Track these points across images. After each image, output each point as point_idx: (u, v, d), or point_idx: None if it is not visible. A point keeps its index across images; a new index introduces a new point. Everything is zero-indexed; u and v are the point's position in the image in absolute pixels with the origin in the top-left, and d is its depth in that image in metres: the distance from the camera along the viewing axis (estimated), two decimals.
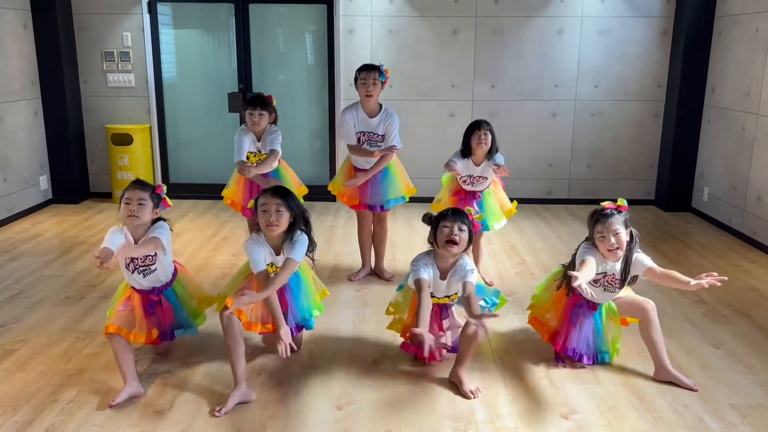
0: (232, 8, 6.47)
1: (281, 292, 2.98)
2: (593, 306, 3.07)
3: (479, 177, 4.05)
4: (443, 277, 3.01)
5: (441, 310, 3.17)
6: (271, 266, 2.98)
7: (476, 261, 4.21)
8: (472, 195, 4.13)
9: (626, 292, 3.14)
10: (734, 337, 3.54)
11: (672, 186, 6.43)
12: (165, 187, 3.07)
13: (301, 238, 2.92)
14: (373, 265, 4.47)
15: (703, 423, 2.72)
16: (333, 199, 4.67)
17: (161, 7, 6.50)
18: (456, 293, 3.06)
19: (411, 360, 3.25)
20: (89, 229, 5.68)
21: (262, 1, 6.47)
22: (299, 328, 3.11)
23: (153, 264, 3.00)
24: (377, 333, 3.55)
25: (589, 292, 2.72)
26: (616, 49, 6.40)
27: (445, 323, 3.19)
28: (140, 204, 2.89)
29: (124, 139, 6.46)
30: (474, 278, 2.95)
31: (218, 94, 6.66)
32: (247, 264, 3.07)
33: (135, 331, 2.94)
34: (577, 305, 3.08)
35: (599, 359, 3.14)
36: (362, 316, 3.79)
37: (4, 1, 5.71)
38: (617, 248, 2.89)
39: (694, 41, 6.09)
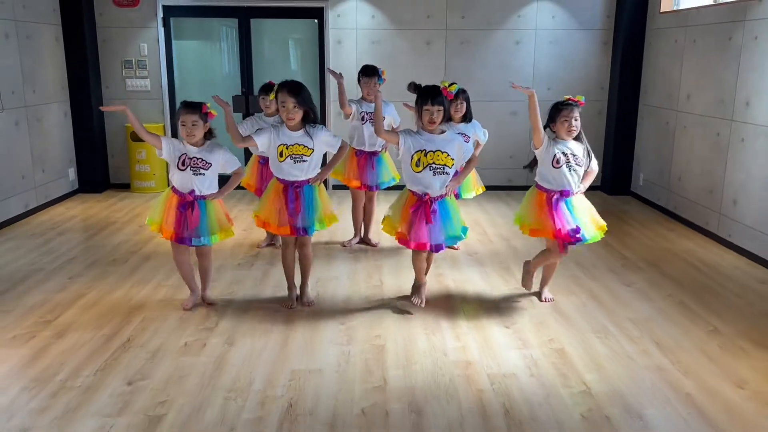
0: (236, 22, 7.47)
1: (296, 198, 3.77)
2: (565, 194, 3.74)
3: (461, 134, 4.46)
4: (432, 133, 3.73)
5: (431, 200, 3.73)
6: (287, 147, 3.72)
7: None
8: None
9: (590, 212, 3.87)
10: (643, 281, 4.63)
11: (614, 173, 7.54)
12: (209, 104, 3.81)
13: (321, 127, 3.80)
14: (362, 235, 5.48)
15: (606, 329, 3.79)
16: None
17: (174, 21, 7.48)
18: (448, 154, 3.68)
19: (398, 298, 4.29)
20: (116, 212, 6.63)
21: (262, 17, 7.48)
22: (303, 231, 3.84)
23: (206, 169, 3.75)
24: (368, 279, 4.61)
25: (524, 87, 3.62)
26: (565, 57, 7.50)
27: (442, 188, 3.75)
28: (194, 125, 3.71)
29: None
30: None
31: (223, 97, 7.60)
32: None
33: (166, 227, 3.78)
34: (553, 199, 3.75)
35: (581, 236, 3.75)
36: (355, 269, 4.86)
37: (41, 17, 6.66)
38: (575, 129, 3.71)
39: (630, 51, 7.22)
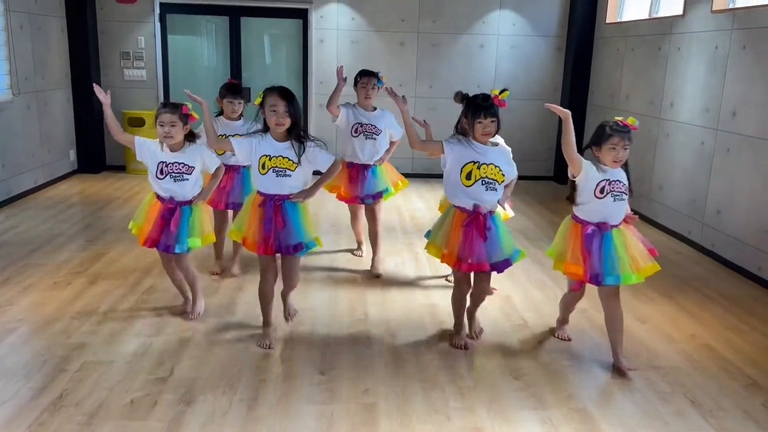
0: (228, 20, 8.18)
1: (276, 213, 3.31)
2: (603, 227, 3.22)
3: None
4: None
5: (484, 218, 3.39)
6: (270, 159, 3.29)
7: None
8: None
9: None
10: None
11: (565, 165, 8.41)
12: (190, 105, 3.54)
13: (316, 148, 3.36)
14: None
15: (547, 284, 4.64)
16: None
17: (170, 17, 8.15)
18: (500, 169, 3.37)
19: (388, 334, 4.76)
20: (116, 190, 7.29)
21: (251, 15, 8.21)
22: (296, 248, 3.38)
23: (189, 173, 3.54)
24: (351, 312, 4.93)
25: (562, 109, 3.15)
26: (524, 61, 8.40)
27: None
28: (172, 125, 3.45)
29: (138, 122, 8.07)
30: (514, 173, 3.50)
31: (214, 88, 8.32)
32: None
33: (150, 235, 3.58)
34: (589, 233, 3.23)
35: (616, 279, 3.23)
36: (335, 298, 4.63)
37: (50, 10, 7.28)
38: (621, 160, 3.21)
39: (580, 56, 8.14)
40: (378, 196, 4.67)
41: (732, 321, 4.13)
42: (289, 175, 3.33)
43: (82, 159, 8.09)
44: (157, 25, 8.07)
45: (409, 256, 5.26)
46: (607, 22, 7.73)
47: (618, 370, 3.37)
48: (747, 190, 5.02)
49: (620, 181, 3.25)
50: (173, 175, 3.54)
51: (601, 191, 3.22)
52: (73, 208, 6.41)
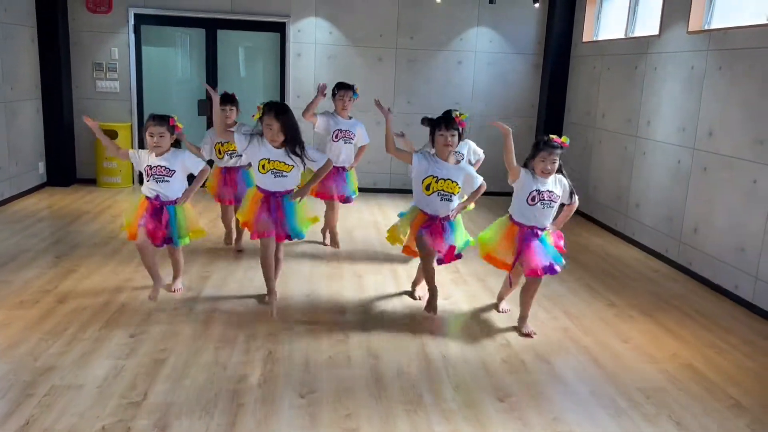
0: (204, 32, 8.07)
1: (278, 208, 4.03)
2: (536, 233, 3.83)
3: (456, 152, 4.82)
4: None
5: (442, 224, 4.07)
6: (269, 161, 3.95)
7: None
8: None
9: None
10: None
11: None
12: (176, 117, 4.09)
13: (309, 149, 4.05)
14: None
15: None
16: None
17: (145, 28, 8.02)
18: (456, 183, 3.99)
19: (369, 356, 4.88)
20: (87, 204, 7.10)
21: (228, 28, 8.11)
22: (288, 237, 4.12)
23: (169, 176, 4.04)
24: (329, 334, 5.10)
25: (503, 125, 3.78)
26: (501, 77, 8.44)
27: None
28: (161, 136, 4.00)
29: (111, 135, 7.88)
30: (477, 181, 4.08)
31: (190, 101, 8.23)
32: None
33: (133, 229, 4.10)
34: (525, 234, 3.84)
35: (555, 265, 3.85)
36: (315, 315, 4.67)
37: (20, 19, 7.10)
38: (549, 172, 3.76)
39: (556, 74, 8.21)
40: (349, 199, 5.46)
41: (711, 339, 4.13)
42: (286, 176, 4.01)
43: (51, 172, 7.88)
44: (132, 36, 7.92)
45: (388, 273, 5.19)
46: (583, 40, 7.81)
47: (524, 335, 3.98)
48: (724, 209, 5.06)
49: (551, 192, 3.81)
50: (156, 176, 4.05)
51: (533, 200, 3.80)
52: (41, 223, 6.21)
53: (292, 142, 3.95)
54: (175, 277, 4.51)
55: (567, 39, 8.13)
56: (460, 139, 4.02)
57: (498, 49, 8.38)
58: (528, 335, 3.99)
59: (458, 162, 4.14)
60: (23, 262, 4.96)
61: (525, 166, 3.87)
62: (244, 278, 4.83)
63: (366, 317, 4.25)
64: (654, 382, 3.52)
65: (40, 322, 3.88)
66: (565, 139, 3.78)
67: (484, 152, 5.47)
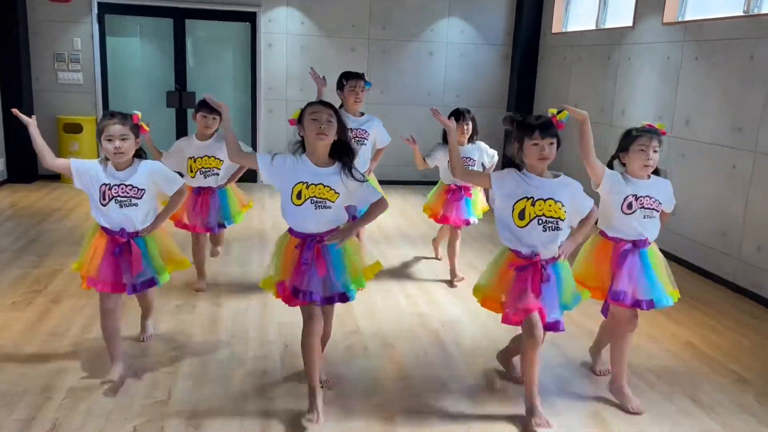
0: (171, 22, 7.85)
1: (318, 256, 2.75)
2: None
3: (465, 158, 4.38)
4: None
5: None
6: (307, 186, 2.71)
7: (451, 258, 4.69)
8: (462, 191, 4.60)
9: None
10: None
11: (504, 166, 8.63)
12: (140, 114, 3.01)
13: (367, 184, 2.80)
14: None
15: None
16: None
17: (109, 18, 7.73)
18: (561, 204, 2.78)
19: None
20: (54, 201, 6.82)
21: (197, 18, 7.91)
22: (341, 297, 2.82)
23: (138, 197, 2.91)
24: None
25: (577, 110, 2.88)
26: (473, 68, 8.53)
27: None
28: (123, 139, 2.85)
29: (75, 128, 7.60)
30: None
31: (158, 93, 7.99)
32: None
33: (102, 276, 2.93)
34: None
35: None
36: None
37: None
38: (651, 164, 2.94)
39: (526, 64, 8.35)
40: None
41: (703, 319, 4.31)
42: (329, 207, 2.74)
43: (12, 168, 7.53)
44: (95, 25, 7.63)
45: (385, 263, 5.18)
46: (553, 31, 7.96)
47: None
48: (704, 194, 5.28)
49: (651, 197, 3.01)
50: (119, 199, 2.88)
51: (629, 207, 2.98)
52: (10, 222, 5.94)
53: (347, 152, 2.79)
54: (144, 318, 3.58)
55: (536, 30, 8.27)
56: (558, 145, 2.79)
57: (469, 40, 8.46)
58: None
59: (556, 176, 2.87)
60: (3, 263, 4.75)
61: (610, 166, 3.10)
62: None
63: (372, 307, 4.24)
64: (660, 361, 3.66)
65: (39, 324, 3.72)
66: (661, 126, 3.06)
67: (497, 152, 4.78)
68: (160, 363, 3.33)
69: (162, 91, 7.98)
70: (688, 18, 5.74)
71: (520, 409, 2.97)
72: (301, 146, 2.82)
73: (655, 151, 2.97)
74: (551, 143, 2.77)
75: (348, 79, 4.31)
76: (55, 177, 7.79)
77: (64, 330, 3.64)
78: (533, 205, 2.77)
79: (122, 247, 2.93)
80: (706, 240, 5.24)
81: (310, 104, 2.82)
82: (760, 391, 3.37)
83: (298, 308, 2.85)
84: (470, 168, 4.26)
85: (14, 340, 3.50)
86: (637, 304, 3.00)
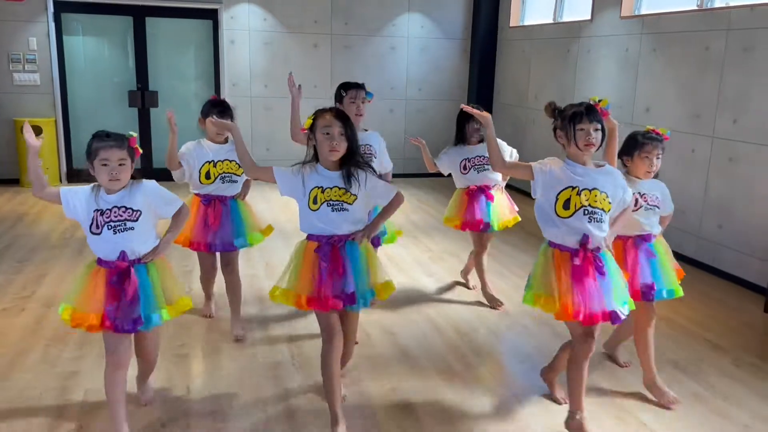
0: (131, 20, 7.72)
1: (336, 258, 2.69)
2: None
3: (479, 157, 4.20)
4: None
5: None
6: (322, 191, 2.68)
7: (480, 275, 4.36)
8: (483, 192, 4.26)
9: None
10: (510, 244, 5.87)
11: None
12: (136, 135, 2.69)
13: (373, 177, 2.79)
14: None
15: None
16: None
17: (65, 17, 7.55)
18: (606, 195, 2.68)
19: None
20: (20, 206, 6.65)
21: (157, 16, 7.81)
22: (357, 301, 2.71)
23: (134, 220, 2.59)
24: None
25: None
26: (434, 62, 8.72)
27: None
28: (121, 164, 2.55)
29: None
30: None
31: (119, 92, 7.86)
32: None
33: (92, 312, 2.56)
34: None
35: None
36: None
37: None
38: (654, 170, 3.06)
39: (485, 58, 8.60)
40: (378, 241, 3.80)
41: None
42: (347, 209, 2.70)
43: None
44: (51, 25, 7.44)
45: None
46: (510, 25, 8.22)
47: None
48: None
49: (656, 196, 3.15)
50: (112, 224, 2.55)
51: (635, 204, 2.99)
52: None
53: (354, 154, 2.74)
54: (142, 379, 3.02)
55: (493, 24, 8.52)
56: (603, 135, 2.74)
57: (429, 34, 8.63)
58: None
59: (599, 165, 2.76)
60: None
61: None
62: None
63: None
64: None
65: (38, 329, 3.70)
66: (664, 131, 3.12)
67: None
68: (171, 359, 3.37)
69: (123, 90, 7.85)
70: (644, 12, 6.06)
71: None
72: (314, 156, 2.75)
73: (658, 158, 3.07)
74: (596, 129, 2.67)
75: (347, 89, 3.77)
76: (14, 181, 7.60)
77: (63, 334, 3.62)
78: (579, 194, 2.66)
79: (122, 276, 2.58)
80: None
81: (321, 114, 2.71)
82: (736, 356, 3.68)
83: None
84: (485, 167, 4.13)
85: (16, 346, 3.48)
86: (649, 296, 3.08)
